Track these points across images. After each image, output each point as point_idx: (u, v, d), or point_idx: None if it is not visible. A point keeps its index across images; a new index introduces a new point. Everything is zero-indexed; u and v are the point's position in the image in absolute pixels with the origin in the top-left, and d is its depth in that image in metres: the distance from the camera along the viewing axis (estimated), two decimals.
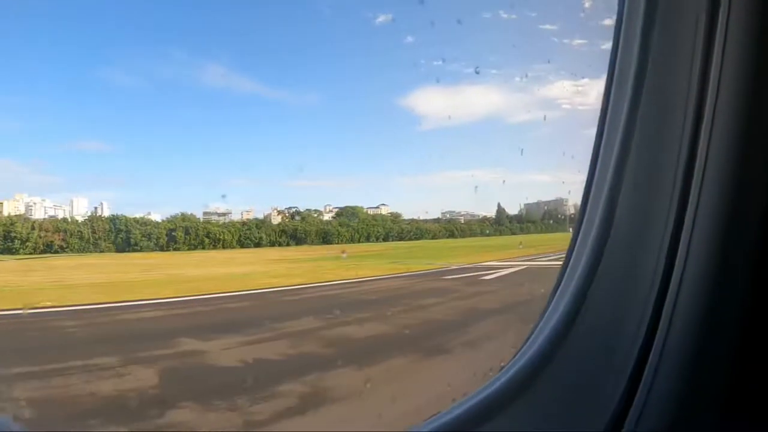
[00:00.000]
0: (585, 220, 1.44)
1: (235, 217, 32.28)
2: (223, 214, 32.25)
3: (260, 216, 32.47)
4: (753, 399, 1.17)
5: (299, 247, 30.53)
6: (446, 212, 37.48)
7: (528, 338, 1.43)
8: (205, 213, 31.86)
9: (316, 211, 34.43)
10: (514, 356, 1.42)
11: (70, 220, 28.09)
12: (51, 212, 29.11)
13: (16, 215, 27.86)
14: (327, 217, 34.43)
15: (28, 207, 28.79)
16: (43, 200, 29.16)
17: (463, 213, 37.64)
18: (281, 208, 33.40)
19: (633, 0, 1.41)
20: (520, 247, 26.01)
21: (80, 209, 29.60)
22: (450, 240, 34.61)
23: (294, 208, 33.65)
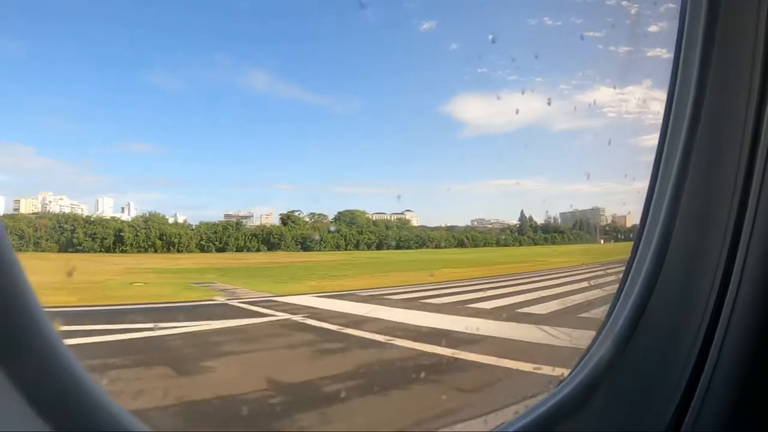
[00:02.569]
0: (645, 232, 1.49)
1: (257, 220, 31.59)
2: (245, 217, 31.48)
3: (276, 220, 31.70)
4: None
5: (235, 255, 28.36)
6: (476, 220, 35.73)
7: (590, 347, 1.50)
8: (226, 215, 31.19)
9: (321, 215, 32.80)
10: (578, 363, 1.48)
11: (20, 216, 26.28)
12: (67, 210, 28.13)
13: (32, 213, 26.73)
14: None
15: (44, 205, 27.85)
16: (60, 198, 28.10)
17: (492, 221, 36.02)
18: (291, 211, 31.85)
19: (693, 12, 1.44)
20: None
21: (105, 209, 29.01)
22: (443, 250, 32.25)
23: (297, 211, 31.77)
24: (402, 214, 33.59)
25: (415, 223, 33.78)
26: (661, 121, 1.51)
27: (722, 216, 1.34)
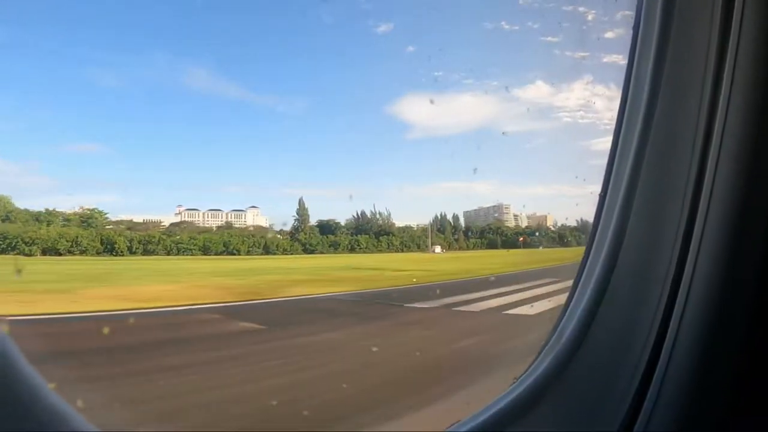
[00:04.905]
0: (597, 234, 1.50)
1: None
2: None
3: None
4: (759, 404, 1.27)
5: None
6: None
7: (544, 346, 1.49)
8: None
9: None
10: (532, 364, 1.48)
11: None
12: None
13: None
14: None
15: None
16: None
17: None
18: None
19: (648, 17, 1.47)
20: None
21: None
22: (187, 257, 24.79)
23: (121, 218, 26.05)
24: (243, 211, 28.64)
25: (262, 222, 28.77)
26: (614, 124, 1.53)
27: (674, 217, 1.36)
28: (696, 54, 1.39)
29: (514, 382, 1.44)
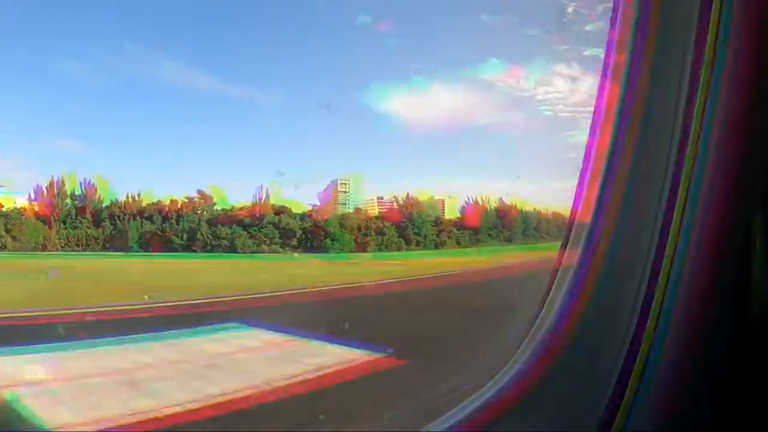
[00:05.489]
0: (574, 228, 1.47)
1: None
2: None
3: None
4: (739, 403, 1.24)
5: None
6: None
7: (520, 345, 1.46)
8: None
9: None
10: (507, 363, 1.44)
11: None
12: None
13: None
14: None
15: None
16: None
17: None
18: None
19: (625, 11, 1.45)
20: None
21: None
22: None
23: None
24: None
25: None
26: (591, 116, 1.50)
27: (652, 211, 1.34)
28: (674, 47, 1.36)
29: (489, 381, 1.40)
